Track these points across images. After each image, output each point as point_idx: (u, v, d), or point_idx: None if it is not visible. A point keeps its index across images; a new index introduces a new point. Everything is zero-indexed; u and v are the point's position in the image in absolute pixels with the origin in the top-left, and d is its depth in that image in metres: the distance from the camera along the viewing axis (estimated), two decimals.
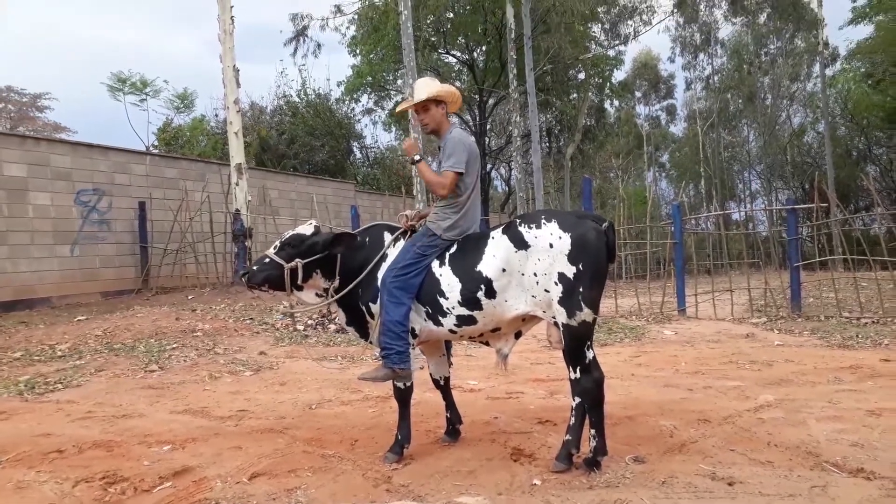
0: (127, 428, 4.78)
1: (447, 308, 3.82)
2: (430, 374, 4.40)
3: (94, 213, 12.79)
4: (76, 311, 10.73)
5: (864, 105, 30.59)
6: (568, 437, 3.71)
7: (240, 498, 3.38)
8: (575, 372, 3.65)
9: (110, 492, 3.51)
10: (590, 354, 3.64)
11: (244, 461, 3.96)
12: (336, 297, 4.11)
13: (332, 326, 9.26)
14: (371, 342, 4.21)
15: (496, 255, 3.71)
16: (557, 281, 3.55)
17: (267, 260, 4.10)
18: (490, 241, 3.77)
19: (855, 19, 27.07)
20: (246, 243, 12.39)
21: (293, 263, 4.02)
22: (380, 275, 3.98)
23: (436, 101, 4.03)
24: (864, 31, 27.62)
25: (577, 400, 3.69)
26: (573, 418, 3.72)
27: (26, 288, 11.53)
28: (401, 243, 4.09)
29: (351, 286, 4.05)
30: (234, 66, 12.63)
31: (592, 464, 3.61)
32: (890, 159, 33.10)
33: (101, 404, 5.55)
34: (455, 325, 3.85)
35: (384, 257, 4.05)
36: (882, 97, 28.45)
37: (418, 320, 3.92)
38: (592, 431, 3.64)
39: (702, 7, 34.51)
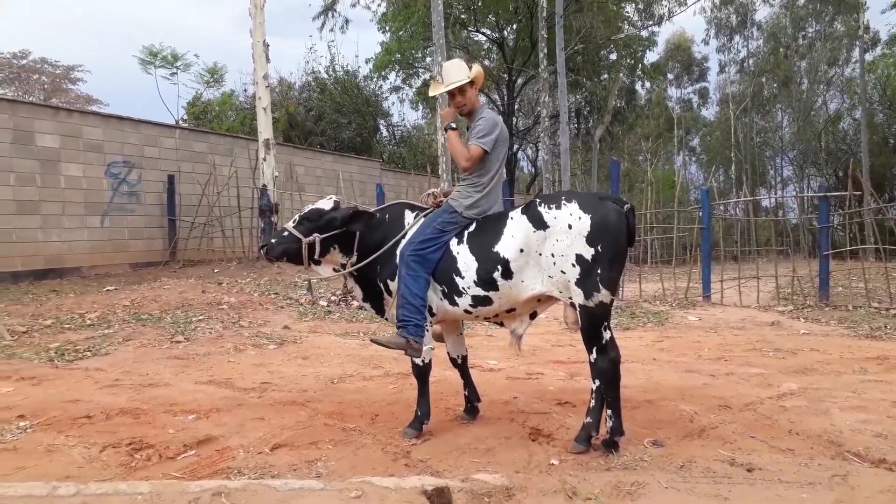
0: (153, 396, 4.88)
1: (463, 288, 3.83)
2: (448, 353, 4.41)
3: (124, 185, 12.98)
4: (105, 282, 10.95)
5: None
6: (588, 419, 3.72)
7: (261, 468, 3.44)
8: (593, 353, 3.65)
9: (136, 458, 3.60)
10: (607, 335, 3.64)
11: (266, 432, 4.03)
12: (348, 270, 4.12)
13: (355, 303, 9.33)
14: (387, 319, 4.24)
15: (515, 235, 3.70)
16: (575, 262, 3.54)
17: (286, 233, 4.13)
18: (509, 222, 3.76)
19: None
20: (272, 219, 12.49)
21: (311, 238, 4.05)
22: (398, 251, 4.00)
23: (471, 82, 4.04)
24: None
25: (598, 383, 3.69)
26: (593, 401, 3.73)
27: (57, 257, 11.78)
28: (421, 221, 4.09)
29: (365, 262, 4.07)
30: (264, 41, 12.64)
31: (610, 445, 3.62)
32: None
33: (129, 373, 5.68)
34: (470, 304, 3.85)
35: (405, 237, 4.05)
36: None
37: (434, 299, 3.93)
38: (609, 412, 3.65)
39: None
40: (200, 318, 8.09)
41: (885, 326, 8.23)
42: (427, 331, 3.91)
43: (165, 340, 7.03)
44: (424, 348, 3.89)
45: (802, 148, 36.39)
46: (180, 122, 22.37)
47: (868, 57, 30.68)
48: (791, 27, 35.86)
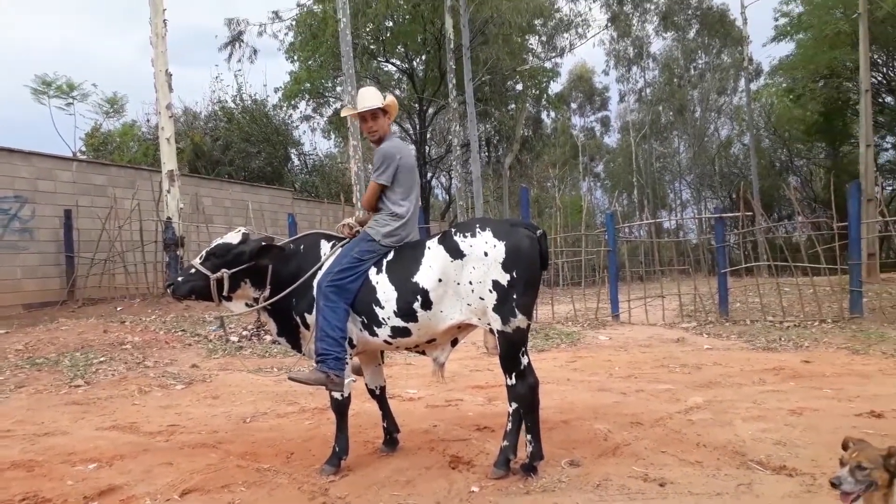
0: (49, 446, 4.56)
1: (383, 318, 3.80)
2: (366, 384, 4.35)
3: (15, 221, 12.19)
4: None
5: (786, 118, 32.15)
6: (505, 442, 3.75)
7: None
8: (511, 378, 3.68)
9: None
10: (524, 360, 3.68)
11: (175, 477, 3.84)
12: (262, 305, 4.02)
13: (268, 338, 9.08)
14: (304, 354, 4.14)
15: (433, 265, 3.71)
16: (492, 288, 3.59)
17: (192, 270, 4.01)
18: (427, 252, 3.78)
19: (777, 37, 28.42)
20: (178, 252, 12.02)
21: (219, 274, 3.93)
22: (314, 283, 3.93)
23: (383, 110, 4.06)
24: (786, 48, 29.18)
25: (514, 406, 3.73)
26: (510, 424, 3.77)
27: None
28: (339, 251, 4.05)
29: (280, 296, 3.97)
30: (167, 70, 12.28)
31: (529, 469, 3.66)
32: (810, 170, 34.84)
33: (22, 422, 5.29)
34: (390, 335, 3.83)
35: (321, 268, 3.99)
36: (802, 111, 29.94)
37: (354, 330, 3.88)
38: (528, 437, 3.69)
39: (634, 22, 35.64)
40: (102, 359, 7.65)
41: (780, 339, 8.75)
42: (347, 363, 3.84)
43: (63, 385, 6.60)
44: (345, 381, 3.82)
45: (698, 172, 38.60)
46: (78, 154, 21.30)
47: (753, 86, 32.97)
48: (683, 59, 38.19)
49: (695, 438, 4.33)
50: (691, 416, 4.91)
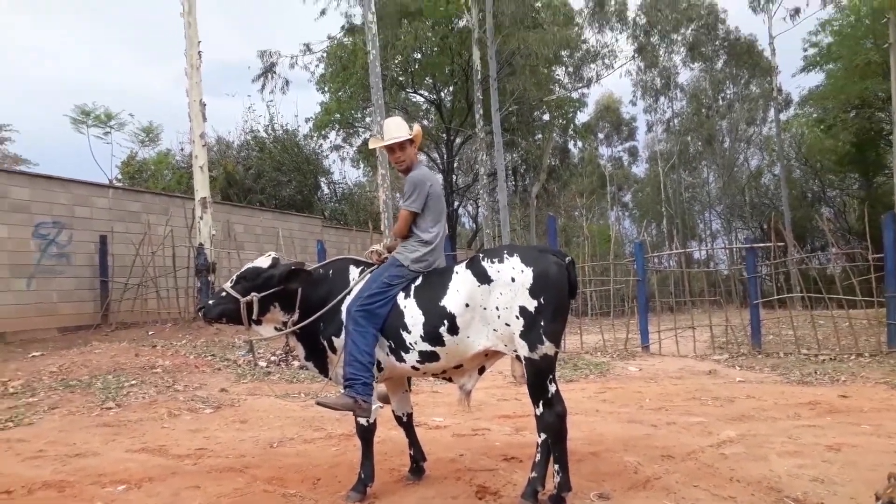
0: (80, 467, 4.62)
1: (410, 343, 3.80)
2: (393, 411, 4.34)
3: (52, 246, 12.50)
4: (31, 347, 10.39)
5: (818, 149, 31.73)
6: (533, 474, 3.69)
7: None
8: (538, 406, 3.65)
9: None
10: (552, 388, 3.64)
11: (203, 501, 3.86)
12: (291, 329, 4.04)
13: (296, 363, 9.12)
14: (330, 378, 4.15)
15: (460, 289, 3.72)
16: (519, 314, 3.58)
17: (223, 294, 4.05)
18: (454, 276, 3.79)
19: (807, 67, 28.23)
20: (209, 278, 12.19)
21: (249, 297, 3.97)
22: (343, 308, 3.95)
23: (410, 140, 4.12)
24: (816, 78, 28.89)
25: (543, 436, 3.67)
26: (538, 455, 3.70)
27: None
28: (367, 277, 4.07)
29: (309, 320, 3.99)
30: (201, 100, 12.59)
31: (557, 500, 3.60)
32: (843, 201, 34.28)
33: (54, 443, 5.36)
34: (418, 360, 3.83)
35: (350, 293, 4.02)
36: (834, 142, 29.56)
37: (381, 355, 3.88)
38: (556, 467, 3.63)
39: (661, 52, 35.72)
40: (133, 382, 7.75)
41: (815, 372, 8.55)
42: (374, 388, 3.84)
43: (95, 407, 6.69)
44: (372, 407, 3.81)
45: (728, 202, 38.21)
46: (114, 181, 21.84)
47: (783, 117, 32.74)
48: (711, 89, 38.06)
49: (728, 473, 4.23)
50: (724, 450, 4.80)
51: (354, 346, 3.74)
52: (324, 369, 4.17)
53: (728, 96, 38.66)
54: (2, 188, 11.76)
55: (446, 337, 3.72)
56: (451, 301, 3.72)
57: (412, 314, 3.80)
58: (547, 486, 3.69)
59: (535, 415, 3.68)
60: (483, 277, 3.68)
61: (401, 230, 4.08)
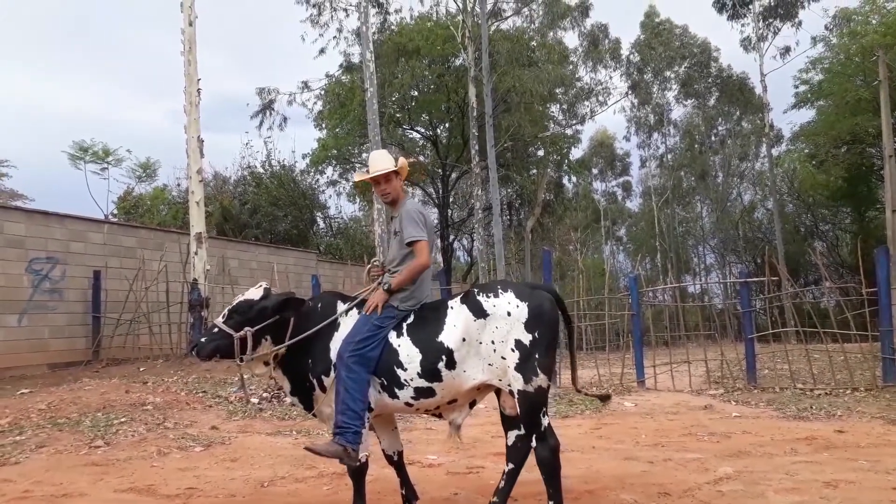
0: None
1: (405, 380, 3.78)
2: (383, 450, 4.26)
3: (45, 281, 12.44)
4: (20, 384, 10.26)
5: (810, 184, 32.04)
6: (495, 499, 3.82)
7: None
8: (529, 439, 3.68)
9: None
10: (545, 422, 3.66)
11: None
12: (278, 347, 3.96)
13: (287, 399, 9.02)
14: (314, 415, 4.10)
15: (457, 324, 3.73)
16: (514, 348, 3.61)
17: (216, 330, 3.99)
18: (449, 311, 3.80)
19: (798, 104, 28.70)
20: (203, 313, 12.14)
21: (242, 332, 3.91)
22: (332, 345, 3.92)
23: (396, 172, 4.13)
24: (807, 114, 29.33)
25: (511, 466, 3.84)
26: (503, 482, 3.85)
27: None
28: (353, 314, 4.04)
29: (287, 344, 3.92)
30: (199, 136, 12.69)
31: None
32: (836, 235, 34.48)
33: (40, 483, 5.26)
34: (412, 397, 3.80)
35: (336, 326, 3.99)
36: (826, 177, 29.89)
37: (373, 393, 3.84)
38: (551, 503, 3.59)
39: (655, 89, 36.29)
40: (122, 420, 7.64)
41: (811, 407, 8.49)
42: (363, 437, 3.78)
43: (83, 446, 6.58)
44: (361, 455, 3.76)
45: (722, 236, 38.40)
46: (110, 216, 21.85)
47: (775, 152, 33.08)
48: (704, 125, 38.54)
49: None
50: (721, 487, 4.75)
51: (348, 394, 3.69)
52: (309, 405, 4.11)
53: (721, 132, 39.16)
54: None
55: (444, 372, 3.72)
56: (449, 336, 3.72)
57: (407, 352, 3.79)
58: None
59: (507, 444, 3.85)
60: (479, 312, 3.70)
61: (427, 260, 3.95)
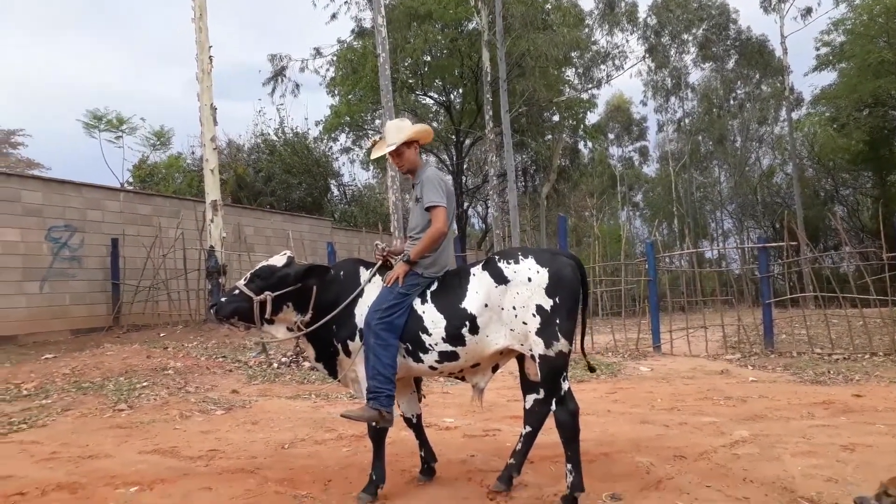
0: (92, 469, 4.63)
1: (430, 344, 3.81)
2: (402, 413, 4.29)
3: (65, 249, 12.60)
4: (44, 350, 10.47)
5: (830, 148, 31.49)
6: (511, 460, 3.89)
7: None
8: (548, 403, 3.71)
9: None
10: (565, 386, 3.69)
11: (214, 503, 3.86)
12: (305, 331, 4.00)
13: (307, 364, 9.14)
14: (339, 380, 4.14)
15: (479, 291, 3.76)
16: (535, 313, 3.62)
17: (236, 292, 4.01)
18: (471, 278, 3.81)
19: (819, 66, 28.06)
20: (220, 280, 12.26)
21: (262, 296, 3.93)
22: (356, 311, 3.95)
23: (407, 143, 4.09)
24: (828, 77, 28.71)
25: (528, 429, 3.85)
26: (520, 444, 3.89)
27: None
28: (377, 279, 4.06)
29: (322, 322, 3.94)
30: (212, 104, 12.67)
31: (569, 500, 3.58)
32: (856, 199, 34.01)
33: (67, 445, 5.39)
34: (436, 361, 3.83)
35: (362, 293, 4.00)
36: (847, 140, 29.34)
37: (398, 357, 3.87)
38: (569, 466, 3.63)
39: (672, 53, 35.58)
40: (145, 384, 7.78)
41: (829, 371, 8.47)
42: (394, 399, 3.83)
43: (107, 409, 6.72)
44: (394, 416, 3.82)
45: (740, 201, 37.97)
46: (125, 185, 22.00)
47: (795, 116, 32.51)
48: (722, 89, 37.83)
49: (741, 473, 4.19)
50: (737, 451, 4.76)
51: (377, 359, 3.73)
52: (333, 371, 4.15)
53: (739, 96, 38.41)
54: (14, 192, 11.88)
55: (468, 337, 3.75)
56: (471, 302, 3.76)
57: (432, 318, 3.81)
58: (559, 485, 3.69)
59: (525, 408, 3.86)
60: (500, 278, 3.72)
61: (444, 226, 3.92)
